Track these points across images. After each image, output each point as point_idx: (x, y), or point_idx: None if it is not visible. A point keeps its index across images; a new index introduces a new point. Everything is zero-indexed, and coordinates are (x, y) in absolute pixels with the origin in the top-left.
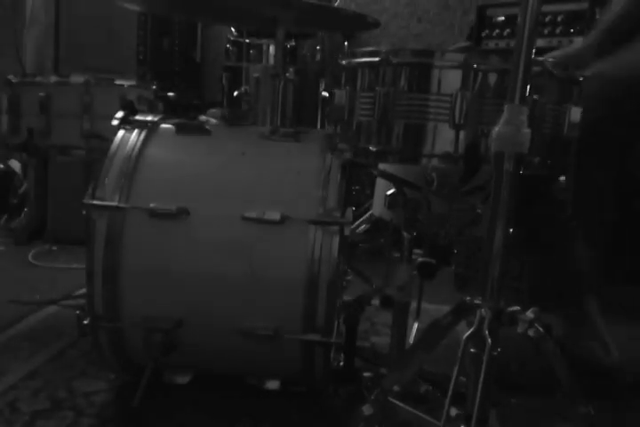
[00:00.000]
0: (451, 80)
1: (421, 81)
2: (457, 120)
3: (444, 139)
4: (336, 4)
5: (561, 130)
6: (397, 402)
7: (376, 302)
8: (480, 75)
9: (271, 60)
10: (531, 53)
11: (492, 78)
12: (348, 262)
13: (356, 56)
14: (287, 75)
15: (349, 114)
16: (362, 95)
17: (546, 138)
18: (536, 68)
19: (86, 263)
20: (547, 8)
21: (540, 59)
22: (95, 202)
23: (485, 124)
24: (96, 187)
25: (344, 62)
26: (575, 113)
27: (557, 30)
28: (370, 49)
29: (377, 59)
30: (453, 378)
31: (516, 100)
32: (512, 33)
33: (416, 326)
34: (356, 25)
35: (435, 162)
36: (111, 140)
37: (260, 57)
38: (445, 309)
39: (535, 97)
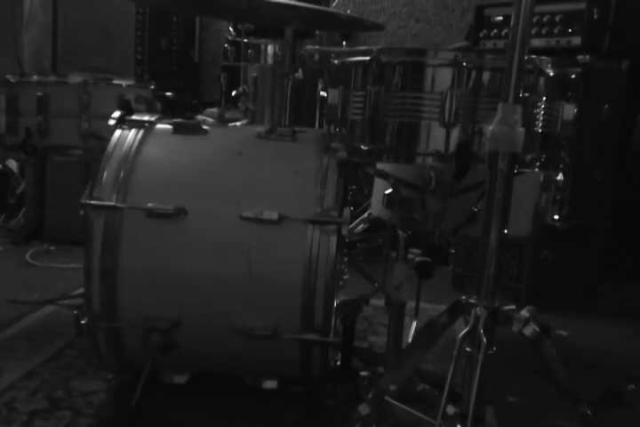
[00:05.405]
0: (441, 78)
1: (411, 79)
2: (447, 118)
3: (434, 137)
4: (334, 4)
5: (554, 128)
6: (394, 401)
7: (375, 301)
8: (470, 73)
9: (269, 60)
10: (524, 53)
11: (483, 77)
12: (345, 262)
13: (348, 55)
14: (297, 75)
15: (343, 113)
16: (354, 94)
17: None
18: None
19: (84, 263)
20: (545, 8)
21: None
22: (93, 202)
23: (477, 122)
24: (93, 187)
25: (336, 62)
26: (568, 111)
27: (555, 30)
28: (361, 48)
29: (368, 58)
30: (449, 377)
31: (509, 100)
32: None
33: (414, 325)
34: (359, 27)
35: (431, 161)
36: (109, 140)
37: (258, 57)
38: (443, 308)
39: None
